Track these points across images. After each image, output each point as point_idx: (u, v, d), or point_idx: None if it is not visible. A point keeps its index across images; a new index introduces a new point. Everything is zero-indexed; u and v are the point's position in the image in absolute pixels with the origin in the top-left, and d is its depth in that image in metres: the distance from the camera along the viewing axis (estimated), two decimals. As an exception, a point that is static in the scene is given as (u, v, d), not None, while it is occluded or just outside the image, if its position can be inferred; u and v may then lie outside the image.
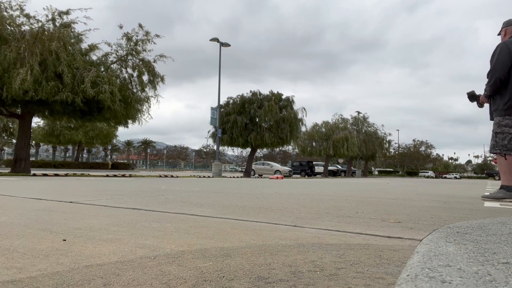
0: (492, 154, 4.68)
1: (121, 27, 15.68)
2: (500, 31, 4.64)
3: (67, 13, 14.41)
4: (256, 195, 4.77)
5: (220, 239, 1.68)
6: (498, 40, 4.66)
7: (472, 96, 4.82)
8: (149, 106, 16.60)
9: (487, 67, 4.50)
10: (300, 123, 27.17)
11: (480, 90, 4.77)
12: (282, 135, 25.71)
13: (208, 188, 6.33)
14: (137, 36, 15.72)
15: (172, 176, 16.52)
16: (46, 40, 13.18)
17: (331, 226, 2.11)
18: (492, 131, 4.37)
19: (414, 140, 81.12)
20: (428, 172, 75.20)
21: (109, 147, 73.76)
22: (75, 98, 13.49)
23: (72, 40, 14.39)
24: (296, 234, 1.85)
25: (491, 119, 4.71)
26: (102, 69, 15.36)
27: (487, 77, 4.35)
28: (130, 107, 15.63)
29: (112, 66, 15.86)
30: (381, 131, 50.91)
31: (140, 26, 15.78)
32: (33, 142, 46.29)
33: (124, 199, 3.66)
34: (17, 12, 13.93)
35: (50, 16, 14.28)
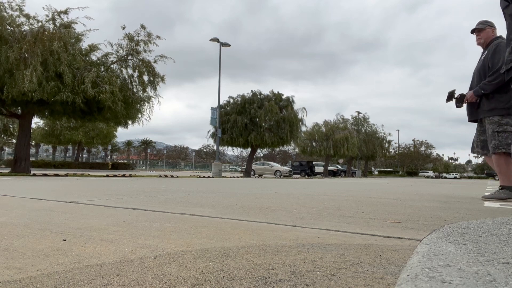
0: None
1: (123, 28, 15.71)
2: (481, 30, 4.61)
3: (65, 12, 14.41)
4: (256, 195, 4.77)
5: (220, 239, 1.68)
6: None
7: (450, 96, 4.74)
8: (152, 106, 16.65)
9: None
10: (300, 123, 27.20)
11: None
12: (282, 135, 25.73)
13: (208, 188, 6.33)
14: (138, 36, 15.75)
15: (172, 176, 16.52)
16: (47, 40, 13.18)
17: (331, 226, 2.11)
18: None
19: (414, 140, 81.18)
20: (428, 172, 75.24)
21: (109, 147, 73.77)
22: (75, 98, 13.50)
23: (72, 40, 14.40)
24: (296, 234, 1.85)
25: (472, 119, 4.69)
26: (102, 69, 15.37)
27: (492, 75, 4.26)
28: (130, 107, 15.64)
29: (112, 66, 15.87)
30: (381, 131, 50.99)
31: (142, 26, 15.80)
32: (33, 142, 46.28)
33: (124, 199, 3.66)
34: (17, 12, 13.95)
35: (50, 16, 14.29)
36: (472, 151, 4.90)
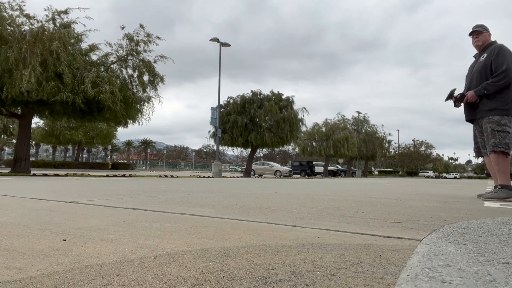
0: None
1: (122, 28, 15.71)
2: (480, 32, 4.69)
3: (65, 12, 14.42)
4: (256, 195, 4.77)
5: (220, 239, 1.68)
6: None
7: (451, 95, 4.80)
8: (153, 106, 16.65)
9: None
10: (300, 123, 27.21)
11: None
12: (282, 135, 25.73)
13: (208, 188, 6.33)
14: (138, 36, 15.74)
15: (172, 176, 16.52)
16: (46, 40, 13.18)
17: (331, 226, 2.11)
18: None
19: (414, 140, 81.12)
20: (428, 172, 75.27)
21: (109, 147, 73.75)
22: (75, 98, 13.50)
23: (72, 40, 14.40)
24: (296, 234, 1.85)
25: (469, 118, 4.72)
26: (102, 69, 15.37)
27: (496, 76, 4.32)
28: (130, 107, 15.64)
29: (112, 66, 15.87)
30: (381, 131, 50.98)
31: (141, 26, 15.80)
32: (33, 142, 46.27)
33: (124, 199, 3.66)
34: (17, 12, 13.95)
35: (50, 16, 14.30)
36: (479, 155, 4.89)
